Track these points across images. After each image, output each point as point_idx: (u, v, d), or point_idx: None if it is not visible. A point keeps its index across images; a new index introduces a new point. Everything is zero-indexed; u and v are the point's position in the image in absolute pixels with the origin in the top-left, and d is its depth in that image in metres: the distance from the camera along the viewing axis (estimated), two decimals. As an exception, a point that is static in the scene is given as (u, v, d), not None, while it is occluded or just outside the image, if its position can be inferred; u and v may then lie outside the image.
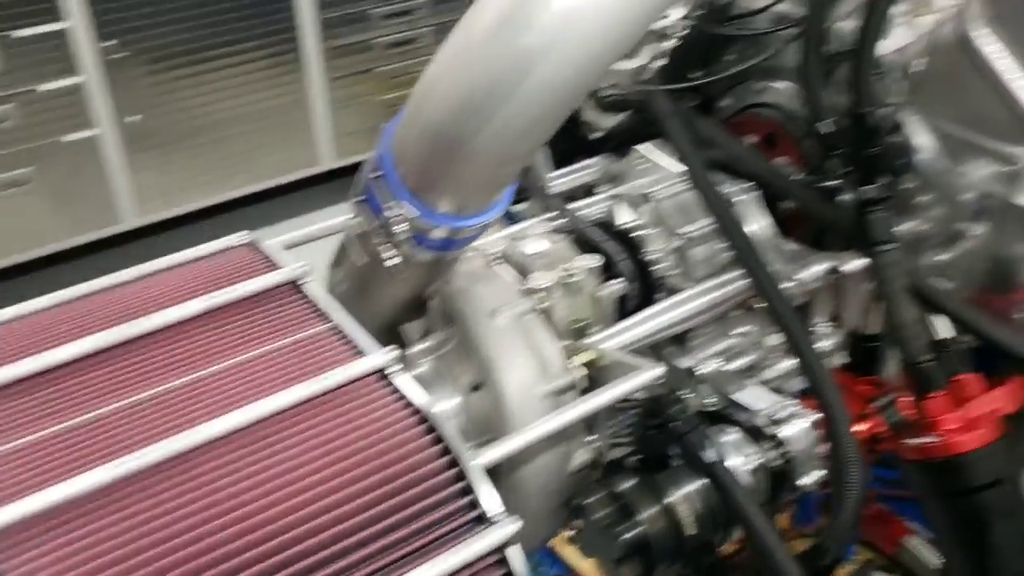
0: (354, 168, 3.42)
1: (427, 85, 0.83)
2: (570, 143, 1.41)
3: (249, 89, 3.24)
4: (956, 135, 1.05)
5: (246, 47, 3.18)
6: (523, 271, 1.04)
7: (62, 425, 0.80)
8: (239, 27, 3.15)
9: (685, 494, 0.91)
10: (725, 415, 1.00)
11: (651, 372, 0.90)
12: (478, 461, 0.76)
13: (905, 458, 0.98)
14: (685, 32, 0.89)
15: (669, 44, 0.90)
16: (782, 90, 1.22)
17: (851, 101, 0.96)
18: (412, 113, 0.85)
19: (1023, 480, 0.96)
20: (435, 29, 3.55)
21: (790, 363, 1.14)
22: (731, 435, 0.98)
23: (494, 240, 1.09)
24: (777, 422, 0.98)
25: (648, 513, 0.90)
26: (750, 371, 1.16)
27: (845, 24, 1.11)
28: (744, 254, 1.04)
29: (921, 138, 1.08)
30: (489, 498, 0.75)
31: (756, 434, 0.98)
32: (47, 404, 0.82)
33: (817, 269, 1.10)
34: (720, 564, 0.97)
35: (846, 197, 1.01)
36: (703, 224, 1.12)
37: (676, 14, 0.89)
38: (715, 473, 0.88)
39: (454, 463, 0.77)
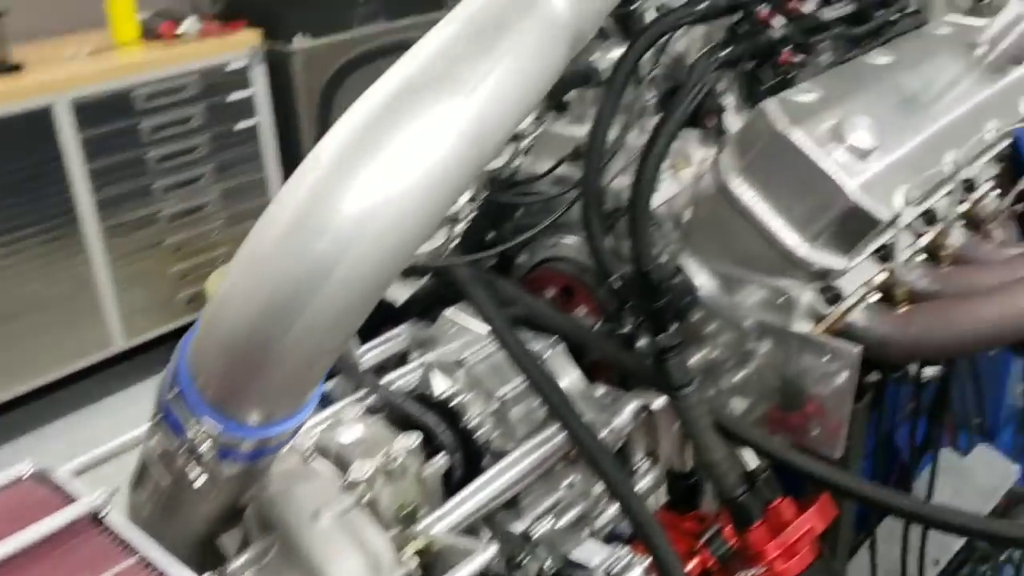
0: (147, 347, 3.24)
1: (223, 296, 0.81)
2: (374, 313, 1.41)
3: (27, 278, 3.06)
4: (730, 273, 1.14)
5: (21, 234, 3.01)
6: (342, 462, 1.01)
7: None
8: (10, 214, 2.99)
9: (537, 672, 0.89)
10: (564, 576, 1.00)
11: (485, 554, 0.89)
12: None
13: (738, 590, 1.01)
14: (474, 214, 0.93)
15: (461, 227, 0.93)
16: (572, 244, 1.28)
17: (632, 260, 1.02)
18: (208, 325, 0.82)
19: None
20: (222, 195, 3.51)
21: (618, 507, 1.16)
22: (573, 598, 0.97)
23: (307, 431, 1.06)
24: None
25: None
26: (582, 521, 1.16)
27: (620, 181, 1.19)
28: (558, 409, 1.06)
29: (700, 278, 1.16)
30: None
31: (597, 592, 0.98)
32: None
33: (628, 411, 1.14)
34: None
35: (642, 344, 1.06)
36: (517, 383, 1.14)
37: (464, 198, 0.93)
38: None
39: None
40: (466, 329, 1.23)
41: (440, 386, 1.17)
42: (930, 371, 1.52)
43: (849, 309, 1.11)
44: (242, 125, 3.48)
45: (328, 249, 0.75)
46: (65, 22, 3.38)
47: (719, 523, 1.05)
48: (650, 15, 1.27)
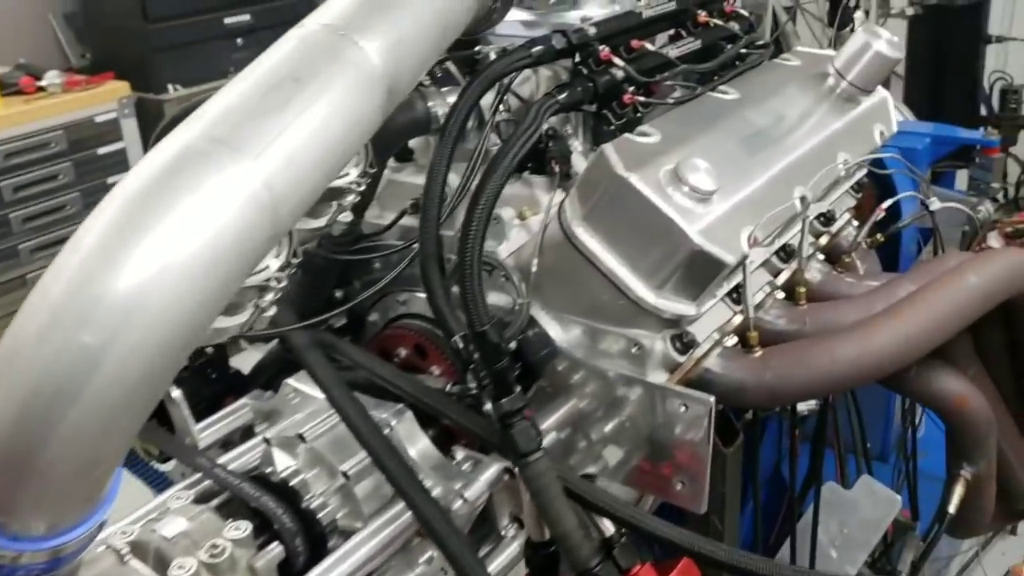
0: None
1: (-20, 396, 0.71)
2: (218, 384, 1.32)
3: None
4: (583, 324, 1.08)
5: None
6: (162, 560, 0.91)
7: None
8: None
9: None
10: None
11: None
12: None
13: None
14: (284, 284, 0.85)
15: (271, 296, 0.86)
16: (423, 300, 1.21)
17: (466, 319, 0.95)
18: (-32, 430, 0.72)
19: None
20: (98, 253, 3.34)
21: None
22: None
23: (127, 526, 0.96)
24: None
25: None
26: (444, 598, 1.08)
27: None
28: (399, 484, 0.99)
29: (554, 329, 1.11)
30: None
31: None
32: None
33: (484, 479, 1.07)
34: None
35: (488, 408, 0.99)
36: (362, 456, 1.06)
37: (275, 263, 0.85)
38: None
39: None
40: (309, 398, 1.15)
41: (281, 463, 1.08)
42: (805, 405, 1.50)
43: (704, 356, 1.07)
44: (115, 179, 3.32)
45: (93, 340, 0.66)
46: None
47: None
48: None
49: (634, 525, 0.92)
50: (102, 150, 3.27)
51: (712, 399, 1.00)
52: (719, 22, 1.35)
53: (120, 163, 3.33)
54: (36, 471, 0.70)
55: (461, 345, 0.99)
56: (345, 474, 1.05)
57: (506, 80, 1.13)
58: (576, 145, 1.20)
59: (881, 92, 1.37)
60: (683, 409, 1.02)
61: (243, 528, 0.95)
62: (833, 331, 1.11)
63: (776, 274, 1.21)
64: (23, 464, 0.69)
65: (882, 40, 1.29)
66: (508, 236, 1.14)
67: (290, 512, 1.02)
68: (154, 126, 3.52)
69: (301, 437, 1.08)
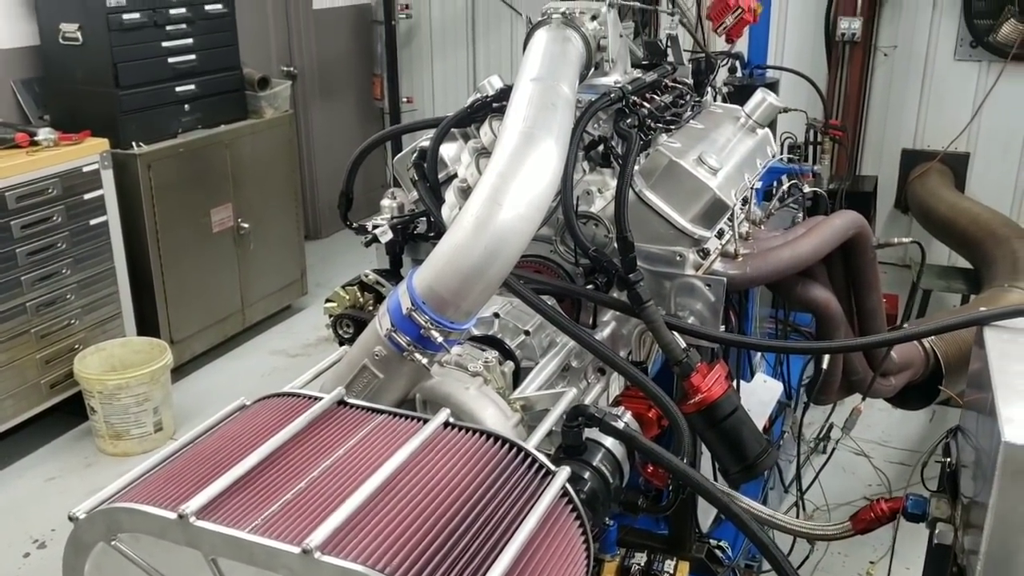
0: (20, 428, 3.57)
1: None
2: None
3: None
4: (647, 249, 1.94)
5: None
6: (460, 365, 1.67)
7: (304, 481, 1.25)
8: None
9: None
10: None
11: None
12: (544, 435, 1.40)
13: (687, 413, 1.76)
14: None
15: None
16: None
17: (617, 229, 1.78)
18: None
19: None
20: (78, 285, 3.80)
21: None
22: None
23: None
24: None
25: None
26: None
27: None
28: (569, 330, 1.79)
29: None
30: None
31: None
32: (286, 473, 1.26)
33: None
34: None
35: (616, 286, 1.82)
36: (536, 319, 1.85)
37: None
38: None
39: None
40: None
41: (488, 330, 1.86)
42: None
43: (712, 261, 1.95)
44: (95, 221, 3.82)
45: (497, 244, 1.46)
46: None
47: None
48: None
49: (707, 336, 1.79)
50: (87, 196, 3.77)
51: (725, 279, 1.88)
52: (677, 85, 2.29)
53: (100, 207, 3.82)
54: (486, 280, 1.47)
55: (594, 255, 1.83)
56: (526, 331, 1.84)
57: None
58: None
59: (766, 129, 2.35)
60: (708, 287, 1.90)
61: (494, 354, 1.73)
62: (769, 249, 2.04)
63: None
64: (481, 275, 1.46)
65: (772, 96, 2.27)
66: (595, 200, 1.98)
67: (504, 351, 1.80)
68: (124, 177, 4.08)
69: (496, 315, 1.87)
